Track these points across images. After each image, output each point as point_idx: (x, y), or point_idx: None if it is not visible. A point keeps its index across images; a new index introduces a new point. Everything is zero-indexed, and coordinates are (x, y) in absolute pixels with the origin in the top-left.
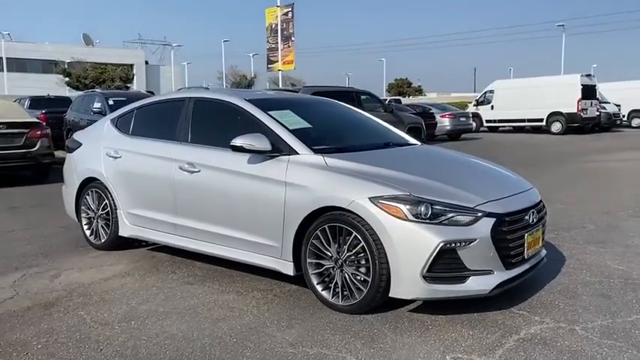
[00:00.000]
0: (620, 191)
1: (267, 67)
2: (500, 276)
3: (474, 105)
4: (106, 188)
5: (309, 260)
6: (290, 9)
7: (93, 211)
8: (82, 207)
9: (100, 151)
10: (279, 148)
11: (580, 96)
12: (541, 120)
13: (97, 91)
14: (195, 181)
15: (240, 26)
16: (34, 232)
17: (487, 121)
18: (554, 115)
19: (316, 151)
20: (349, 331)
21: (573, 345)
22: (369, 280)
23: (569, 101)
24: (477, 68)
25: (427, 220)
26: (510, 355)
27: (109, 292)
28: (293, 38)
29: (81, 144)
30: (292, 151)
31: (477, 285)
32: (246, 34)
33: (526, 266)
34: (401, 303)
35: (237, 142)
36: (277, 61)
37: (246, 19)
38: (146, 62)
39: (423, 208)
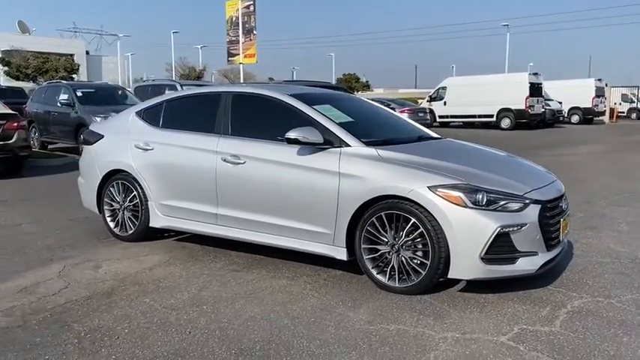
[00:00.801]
0: (589, 182)
1: (228, 60)
2: (543, 257)
3: (427, 101)
4: (135, 180)
5: (363, 246)
6: (252, 2)
7: (118, 203)
8: (105, 199)
9: (127, 143)
10: (329, 141)
11: (528, 93)
12: (491, 116)
13: (63, 83)
14: (240, 172)
15: (189, 18)
16: (44, 226)
17: (440, 117)
18: (503, 112)
19: (367, 144)
20: (414, 309)
21: (617, 315)
22: (428, 262)
23: (517, 98)
24: (419, 65)
25: (483, 207)
26: (569, 325)
27: (161, 280)
28: (255, 32)
29: (102, 136)
30: (343, 144)
31: (525, 265)
32: (196, 25)
33: (559, 248)
34: (447, 284)
35: (292, 134)
36: (238, 54)
37: (195, 10)
38: (87, 52)
39: (480, 196)
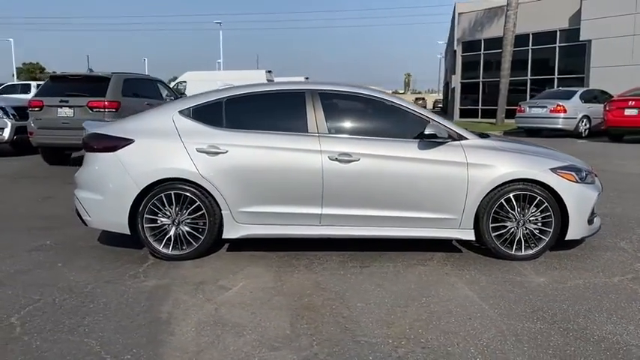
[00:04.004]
0: None
1: None
2: (599, 218)
3: None
4: (199, 188)
5: (491, 225)
6: None
7: (168, 217)
8: (146, 215)
9: (179, 146)
10: (449, 135)
11: None
12: None
13: None
14: (355, 170)
15: None
16: (18, 260)
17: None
18: None
19: (481, 136)
20: (559, 269)
21: None
22: (550, 230)
23: None
24: (101, 55)
25: (584, 182)
26: None
27: (334, 287)
28: None
29: (131, 140)
30: (462, 137)
31: (596, 224)
32: None
33: None
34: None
35: (429, 131)
36: None
37: None
38: None
39: (583, 174)
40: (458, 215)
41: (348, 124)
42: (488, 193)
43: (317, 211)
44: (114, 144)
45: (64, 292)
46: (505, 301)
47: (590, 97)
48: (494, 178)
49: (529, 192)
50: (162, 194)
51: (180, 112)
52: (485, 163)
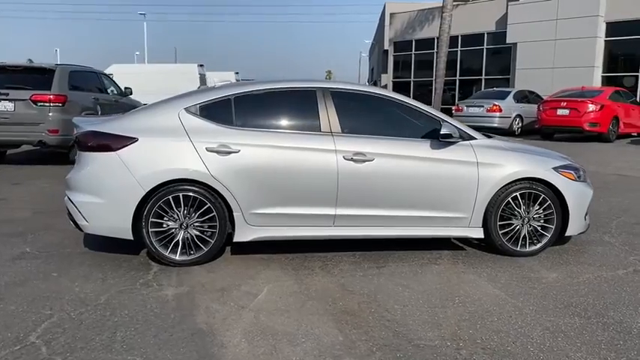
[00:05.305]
0: None
1: None
2: (589, 215)
3: None
4: (210, 190)
5: (499, 223)
6: None
7: (176, 220)
8: (151, 219)
9: (187, 145)
10: (460, 135)
11: (199, 83)
12: None
13: None
14: (369, 170)
15: None
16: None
17: None
18: None
19: (488, 137)
20: (564, 264)
21: None
22: (552, 227)
23: (191, 87)
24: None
25: (581, 180)
26: None
27: (358, 292)
28: None
29: (135, 139)
30: (470, 137)
31: (588, 221)
32: None
33: None
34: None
35: (445, 131)
36: None
37: None
38: None
39: (580, 172)
40: (468, 214)
41: (360, 123)
42: (497, 191)
43: (331, 211)
44: (115, 143)
45: (77, 305)
46: (534, 298)
47: (521, 97)
48: (503, 177)
49: (534, 190)
50: (170, 196)
51: (187, 109)
52: (494, 163)
